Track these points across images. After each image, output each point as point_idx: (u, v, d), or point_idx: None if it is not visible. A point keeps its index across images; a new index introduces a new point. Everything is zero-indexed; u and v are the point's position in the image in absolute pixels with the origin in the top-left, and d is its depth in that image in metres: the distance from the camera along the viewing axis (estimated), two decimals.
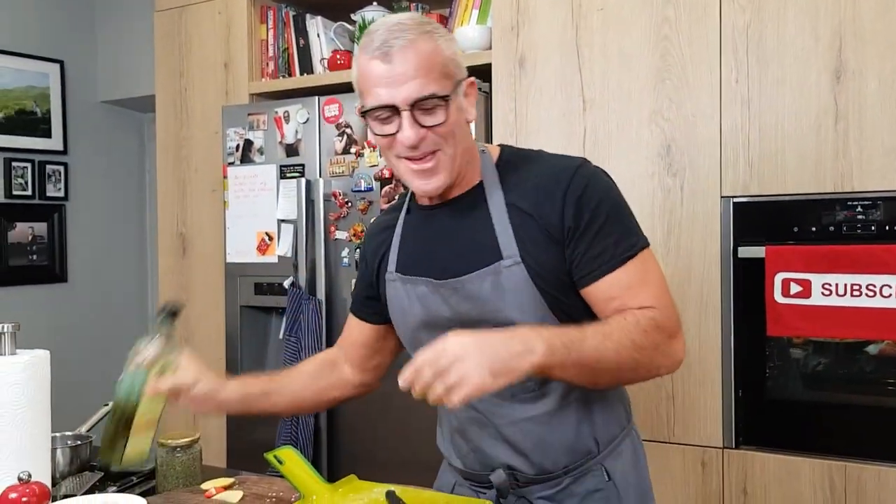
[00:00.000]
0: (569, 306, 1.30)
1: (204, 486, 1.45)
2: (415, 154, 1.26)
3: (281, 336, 2.79)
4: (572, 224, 1.26)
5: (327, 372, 1.58)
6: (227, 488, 1.44)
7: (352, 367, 1.58)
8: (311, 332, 2.62)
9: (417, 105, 1.23)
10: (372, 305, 1.52)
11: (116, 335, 4.16)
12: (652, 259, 1.31)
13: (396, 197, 1.61)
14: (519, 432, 1.35)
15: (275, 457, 1.41)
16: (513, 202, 1.31)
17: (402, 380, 1.11)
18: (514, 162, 1.37)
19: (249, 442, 2.79)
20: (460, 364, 1.06)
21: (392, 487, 1.40)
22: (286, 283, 2.72)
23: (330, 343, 2.68)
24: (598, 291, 1.28)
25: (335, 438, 2.68)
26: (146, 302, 4.45)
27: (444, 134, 1.26)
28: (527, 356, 1.10)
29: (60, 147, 4.11)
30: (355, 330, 1.57)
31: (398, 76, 1.22)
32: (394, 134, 1.26)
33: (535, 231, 1.29)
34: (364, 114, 1.29)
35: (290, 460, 1.41)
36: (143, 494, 1.43)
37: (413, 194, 1.43)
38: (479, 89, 2.54)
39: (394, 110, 1.24)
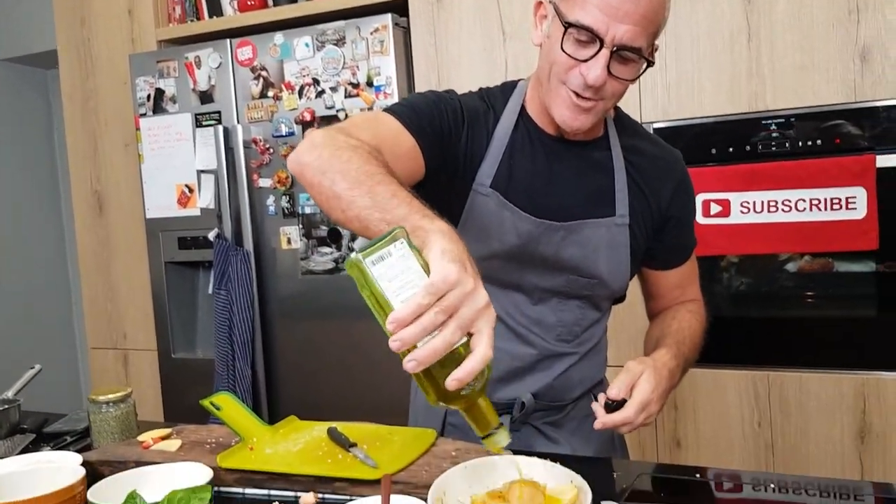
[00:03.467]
0: (630, 278, 1.40)
1: (141, 437, 1.42)
2: (585, 93, 1.21)
3: (210, 290, 2.73)
4: (675, 214, 1.38)
5: None
6: (164, 439, 1.41)
7: None
8: (241, 283, 2.57)
9: (620, 50, 1.16)
10: (435, 143, 1.25)
11: (37, 297, 4.01)
12: None
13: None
14: (548, 371, 1.38)
15: (211, 403, 1.38)
16: (630, 168, 1.35)
17: (634, 415, 1.19)
18: (627, 127, 1.40)
19: (186, 399, 2.75)
20: (654, 406, 1.21)
21: (333, 424, 1.40)
22: (211, 236, 2.65)
23: (262, 295, 2.63)
24: (669, 278, 1.45)
25: (274, 389, 2.66)
26: (65, 263, 4.29)
27: (619, 89, 1.23)
28: (672, 388, 1.28)
29: None
30: (404, 142, 1.22)
31: (625, 12, 1.13)
32: (581, 61, 1.18)
33: (643, 203, 1.35)
34: (564, 22, 1.17)
35: (228, 405, 1.39)
36: (78, 452, 1.39)
37: (527, 113, 1.35)
38: (397, 24, 2.49)
39: (597, 41, 1.16)
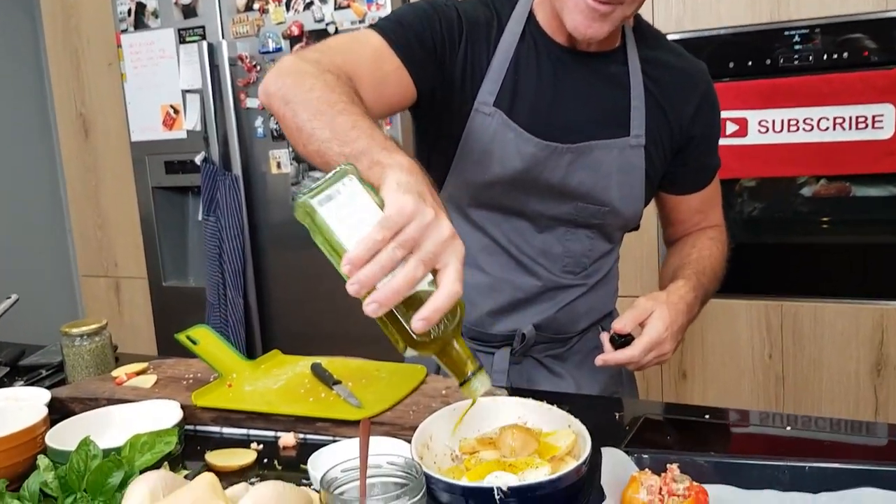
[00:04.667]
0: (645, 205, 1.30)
1: (114, 373, 1.34)
2: None
3: (200, 217, 2.63)
4: (698, 133, 1.27)
5: None
6: (139, 374, 1.33)
7: None
8: (230, 210, 2.46)
9: None
10: (426, 61, 1.15)
11: (31, 224, 3.92)
12: None
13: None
14: (552, 302, 1.29)
15: (188, 337, 1.29)
16: (648, 83, 1.23)
17: (640, 354, 1.12)
18: (648, 37, 1.27)
19: (178, 328, 2.67)
20: (668, 345, 1.13)
21: (318, 359, 1.31)
22: (198, 160, 2.53)
23: (253, 222, 2.53)
24: (690, 202, 1.34)
25: (267, 318, 2.58)
26: (58, 189, 4.19)
27: None
28: (689, 324, 1.20)
29: None
30: (388, 62, 1.12)
31: None
32: None
33: (662, 122, 1.23)
34: None
35: (205, 339, 1.30)
36: (52, 387, 1.32)
37: (535, 21, 1.22)
38: None
39: None
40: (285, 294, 2.54)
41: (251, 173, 2.52)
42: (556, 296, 1.29)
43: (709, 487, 0.84)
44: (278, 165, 2.46)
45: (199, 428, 1.19)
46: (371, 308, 0.73)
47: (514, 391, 0.97)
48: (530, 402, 0.97)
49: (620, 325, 1.13)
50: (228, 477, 1.02)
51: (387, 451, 0.99)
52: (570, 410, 0.94)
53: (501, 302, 1.29)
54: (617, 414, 1.11)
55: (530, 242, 1.26)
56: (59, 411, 1.22)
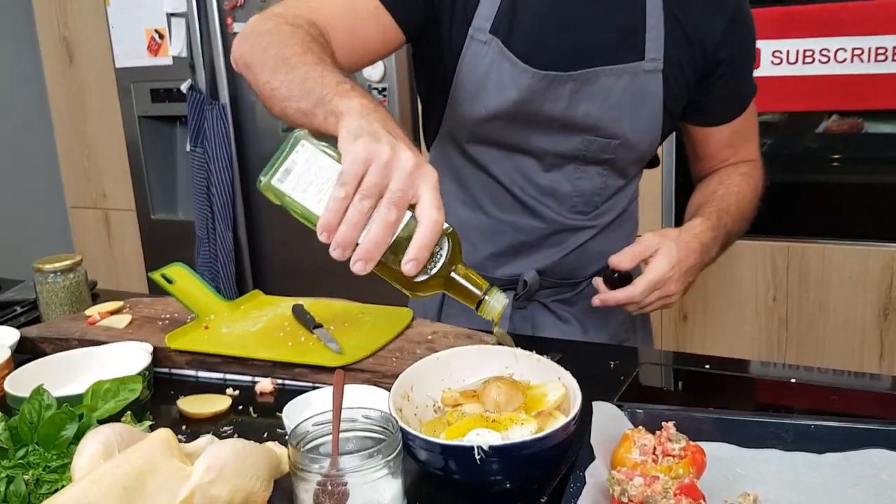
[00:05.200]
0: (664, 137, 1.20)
1: (88, 311, 1.28)
2: None
3: (188, 149, 2.54)
4: (726, 57, 1.14)
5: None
6: (113, 313, 1.27)
7: None
8: (218, 141, 2.38)
9: None
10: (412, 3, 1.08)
11: (17, 155, 3.83)
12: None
13: None
14: (559, 246, 1.21)
15: (162, 276, 1.23)
16: (668, 1, 1.10)
17: (640, 294, 1.05)
18: None
19: (167, 262, 2.62)
20: (673, 286, 1.06)
21: (300, 301, 1.25)
22: (184, 88, 2.43)
23: (241, 154, 2.44)
24: (719, 135, 1.21)
25: (258, 254, 2.52)
26: (49, 116, 4.09)
27: None
28: (705, 266, 1.11)
29: None
30: (361, 7, 1.05)
31: None
32: None
33: (684, 45, 1.11)
34: None
35: (182, 278, 1.24)
36: (26, 325, 1.26)
37: None
38: None
39: None
40: (277, 230, 2.47)
41: (239, 102, 2.42)
42: (564, 239, 1.21)
43: (706, 445, 0.79)
44: None
45: (173, 371, 1.13)
46: (358, 267, 0.70)
47: (516, 338, 0.90)
48: (519, 351, 0.91)
49: (617, 259, 1.06)
50: (201, 424, 0.97)
51: (366, 400, 0.94)
52: (563, 359, 0.88)
53: (502, 245, 1.22)
54: (612, 363, 1.05)
55: (535, 182, 1.18)
56: (30, 351, 1.17)
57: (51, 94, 2.97)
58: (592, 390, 0.82)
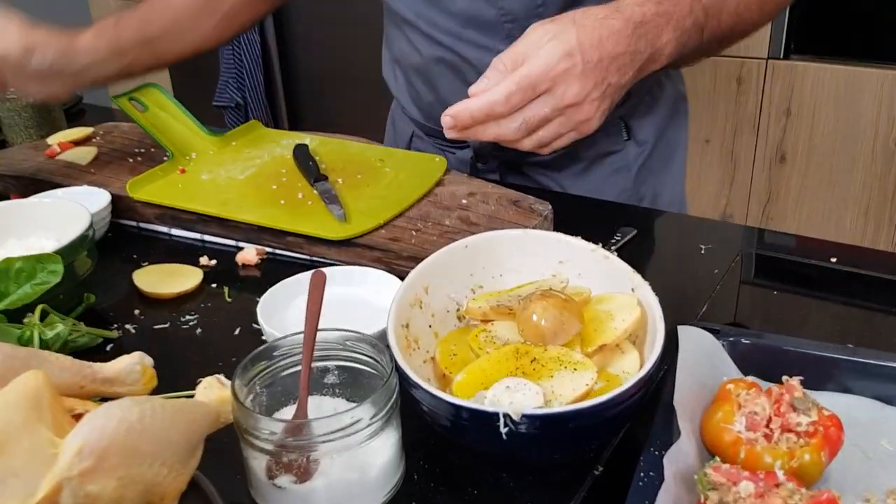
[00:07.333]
0: None
1: (50, 139, 1.04)
2: None
3: None
4: None
5: None
6: (79, 143, 1.03)
7: None
8: None
9: None
10: None
11: None
12: None
13: None
14: None
15: (131, 99, 0.97)
16: None
17: (503, 101, 0.64)
18: None
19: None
20: (578, 85, 0.64)
21: (307, 138, 0.99)
22: None
23: None
24: None
25: (290, 62, 2.20)
26: None
27: None
28: (651, 63, 0.68)
29: None
30: None
31: None
32: None
33: None
34: None
35: (157, 103, 0.98)
36: None
37: None
38: None
39: None
40: (313, 27, 2.13)
41: None
42: None
43: (838, 400, 0.54)
44: None
45: (143, 226, 0.91)
46: None
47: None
48: (579, 242, 0.64)
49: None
50: (160, 308, 0.75)
51: (371, 292, 0.70)
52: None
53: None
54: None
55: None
56: None
57: None
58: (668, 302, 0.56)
